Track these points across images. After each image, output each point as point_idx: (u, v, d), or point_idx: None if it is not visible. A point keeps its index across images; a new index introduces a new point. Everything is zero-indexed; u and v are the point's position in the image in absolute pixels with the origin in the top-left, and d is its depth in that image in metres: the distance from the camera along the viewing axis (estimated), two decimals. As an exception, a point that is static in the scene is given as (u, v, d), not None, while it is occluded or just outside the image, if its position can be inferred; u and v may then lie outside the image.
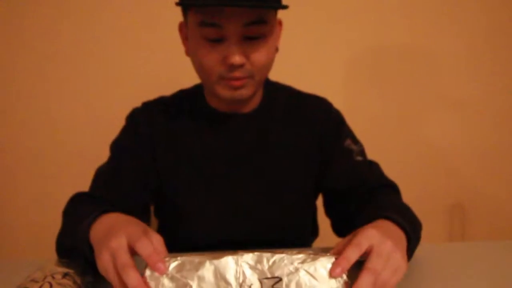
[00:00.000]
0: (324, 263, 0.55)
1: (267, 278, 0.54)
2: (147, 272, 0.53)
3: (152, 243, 0.54)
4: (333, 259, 0.55)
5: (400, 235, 0.64)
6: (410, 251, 0.67)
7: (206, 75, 0.77)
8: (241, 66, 0.73)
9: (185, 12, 0.78)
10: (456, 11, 1.47)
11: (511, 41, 1.49)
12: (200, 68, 0.78)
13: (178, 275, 0.53)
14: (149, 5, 1.35)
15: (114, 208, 0.68)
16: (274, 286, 0.54)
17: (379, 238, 0.56)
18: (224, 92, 0.77)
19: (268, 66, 0.79)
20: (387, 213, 0.66)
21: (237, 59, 0.72)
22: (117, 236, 0.54)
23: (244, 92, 0.77)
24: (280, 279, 0.54)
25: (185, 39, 0.82)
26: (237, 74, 0.74)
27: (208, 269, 0.54)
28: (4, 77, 1.37)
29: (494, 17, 1.48)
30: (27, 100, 1.38)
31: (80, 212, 0.70)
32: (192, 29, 0.75)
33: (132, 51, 1.37)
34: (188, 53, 0.81)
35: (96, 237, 0.60)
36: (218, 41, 0.73)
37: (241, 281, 0.54)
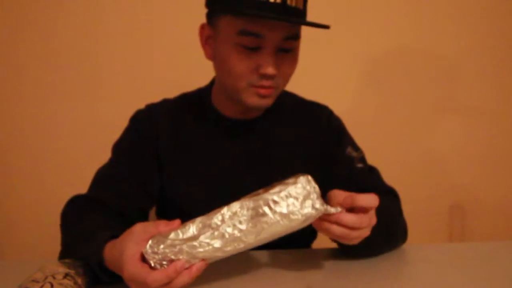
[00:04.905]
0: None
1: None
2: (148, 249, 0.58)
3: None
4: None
5: None
6: (372, 242, 0.71)
7: (235, 81, 0.77)
8: (272, 76, 0.75)
9: (214, 16, 0.77)
10: (462, 16, 1.47)
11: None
12: (228, 73, 0.77)
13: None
14: (153, 6, 1.35)
15: (114, 219, 0.72)
16: (253, 198, 0.60)
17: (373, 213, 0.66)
18: (250, 99, 0.78)
19: (290, 77, 0.81)
20: None
21: (271, 70, 0.74)
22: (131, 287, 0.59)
23: (270, 101, 0.79)
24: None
25: (205, 42, 0.81)
26: (266, 83, 0.75)
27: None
28: (5, 77, 1.37)
29: (500, 21, 1.48)
30: (27, 100, 1.38)
31: (84, 228, 0.72)
32: (226, 35, 0.75)
33: (134, 52, 1.37)
34: (210, 56, 0.81)
35: (111, 266, 0.64)
36: (254, 49, 0.74)
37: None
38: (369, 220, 0.65)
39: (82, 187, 0.85)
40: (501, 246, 0.85)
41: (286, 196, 0.60)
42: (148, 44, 1.37)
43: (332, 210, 0.62)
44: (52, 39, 1.35)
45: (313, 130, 0.91)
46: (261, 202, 0.60)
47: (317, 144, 0.90)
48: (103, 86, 1.39)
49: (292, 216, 0.60)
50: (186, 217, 0.91)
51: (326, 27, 0.72)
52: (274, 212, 0.59)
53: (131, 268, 0.58)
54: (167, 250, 0.57)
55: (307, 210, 0.60)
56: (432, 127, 1.54)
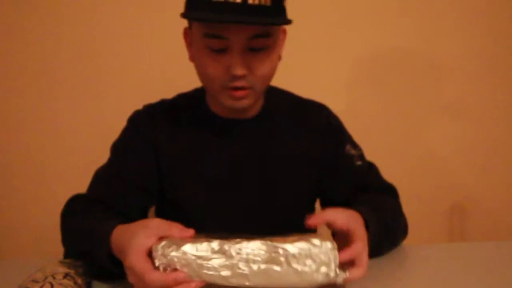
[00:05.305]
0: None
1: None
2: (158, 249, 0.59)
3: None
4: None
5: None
6: (375, 244, 0.72)
7: (209, 83, 0.78)
8: (243, 77, 0.74)
9: (190, 20, 0.79)
10: (461, 16, 1.46)
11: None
12: (203, 76, 0.78)
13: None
14: (153, 6, 1.35)
15: (115, 216, 0.73)
16: (275, 241, 0.60)
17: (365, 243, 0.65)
18: (226, 101, 0.78)
19: (270, 76, 0.80)
20: (359, 207, 0.71)
21: (239, 71, 0.73)
22: (128, 275, 0.60)
23: (246, 102, 0.78)
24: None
25: (189, 44, 0.82)
26: (239, 84, 0.75)
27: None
28: (4, 76, 1.37)
29: (500, 23, 1.48)
30: (27, 100, 1.38)
31: (85, 226, 0.73)
32: (196, 38, 0.76)
33: (134, 52, 1.37)
34: (191, 59, 0.82)
35: (116, 248, 0.65)
36: (222, 51, 0.74)
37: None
38: (366, 260, 0.65)
39: (82, 187, 0.85)
40: (501, 246, 0.85)
41: (306, 255, 0.59)
42: (148, 44, 1.37)
43: (341, 280, 0.61)
44: (52, 39, 1.35)
45: (312, 129, 0.91)
46: (280, 251, 0.59)
47: (316, 143, 0.90)
48: (102, 86, 1.39)
49: (303, 276, 0.60)
50: (186, 216, 0.91)
51: (287, 22, 0.72)
52: (289, 265, 0.59)
53: (134, 258, 0.58)
54: (175, 259, 0.58)
55: (320, 277, 0.60)
56: (432, 127, 1.54)
